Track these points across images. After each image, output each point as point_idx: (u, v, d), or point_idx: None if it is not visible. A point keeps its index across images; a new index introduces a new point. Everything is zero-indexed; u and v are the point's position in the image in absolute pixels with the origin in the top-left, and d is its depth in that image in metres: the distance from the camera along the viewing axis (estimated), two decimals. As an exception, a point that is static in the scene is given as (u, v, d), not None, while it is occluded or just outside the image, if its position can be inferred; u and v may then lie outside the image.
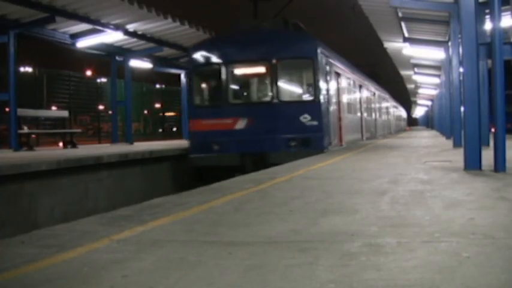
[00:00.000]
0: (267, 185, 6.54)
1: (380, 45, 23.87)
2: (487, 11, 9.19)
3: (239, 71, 13.90)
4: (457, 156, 8.80)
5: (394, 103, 46.36)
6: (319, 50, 13.61)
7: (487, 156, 7.39)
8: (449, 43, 15.54)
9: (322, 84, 13.64)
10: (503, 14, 8.04)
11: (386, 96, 38.64)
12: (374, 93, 28.48)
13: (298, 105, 13.40)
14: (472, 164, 7.26)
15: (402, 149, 14.46)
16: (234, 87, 14.06)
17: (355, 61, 29.81)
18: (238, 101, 14.01)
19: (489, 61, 7.64)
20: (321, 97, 13.39)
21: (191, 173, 13.64)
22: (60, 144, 17.53)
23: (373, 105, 27.68)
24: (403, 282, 2.49)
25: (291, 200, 5.21)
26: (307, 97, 13.74)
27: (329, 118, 14.06)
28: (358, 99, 21.87)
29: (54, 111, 19.61)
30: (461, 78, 11.06)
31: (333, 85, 15.24)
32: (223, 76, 13.45)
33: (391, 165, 8.94)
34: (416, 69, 29.84)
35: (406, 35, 19.22)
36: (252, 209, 4.80)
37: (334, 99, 15.37)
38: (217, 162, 12.90)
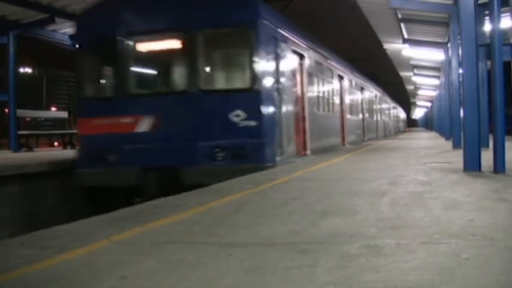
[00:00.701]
0: (266, 186, 6.53)
1: (379, 46, 23.91)
2: (487, 12, 9.20)
3: (143, 46, 9.96)
4: (457, 158, 8.80)
5: (392, 103, 45.58)
6: (262, 16, 9.51)
7: (487, 157, 7.39)
8: (449, 44, 15.57)
9: (267, 67, 9.56)
10: (502, 15, 8.07)
11: (382, 94, 35.93)
12: (362, 88, 24.31)
13: (228, 97, 9.31)
14: (472, 165, 7.26)
15: (401, 150, 14.46)
16: (136, 70, 10.13)
17: (353, 60, 29.56)
18: (142, 91, 10.07)
19: (488, 62, 7.66)
20: (263, 84, 9.34)
21: (80, 194, 9.95)
22: (56, 144, 17.53)
23: (361, 103, 23.96)
24: (402, 283, 2.49)
25: (290, 201, 5.20)
26: (241, 85, 9.68)
27: (278, 116, 10.01)
28: (337, 94, 17.53)
29: (53, 111, 19.66)
30: (460, 79, 11.07)
31: (288, 70, 11.00)
32: (121, 55, 9.70)
33: (390, 166, 8.94)
34: (415, 71, 29.88)
35: (406, 36, 19.26)
36: (252, 210, 4.80)
37: (291, 90, 11.17)
38: (109, 180, 9.34)
